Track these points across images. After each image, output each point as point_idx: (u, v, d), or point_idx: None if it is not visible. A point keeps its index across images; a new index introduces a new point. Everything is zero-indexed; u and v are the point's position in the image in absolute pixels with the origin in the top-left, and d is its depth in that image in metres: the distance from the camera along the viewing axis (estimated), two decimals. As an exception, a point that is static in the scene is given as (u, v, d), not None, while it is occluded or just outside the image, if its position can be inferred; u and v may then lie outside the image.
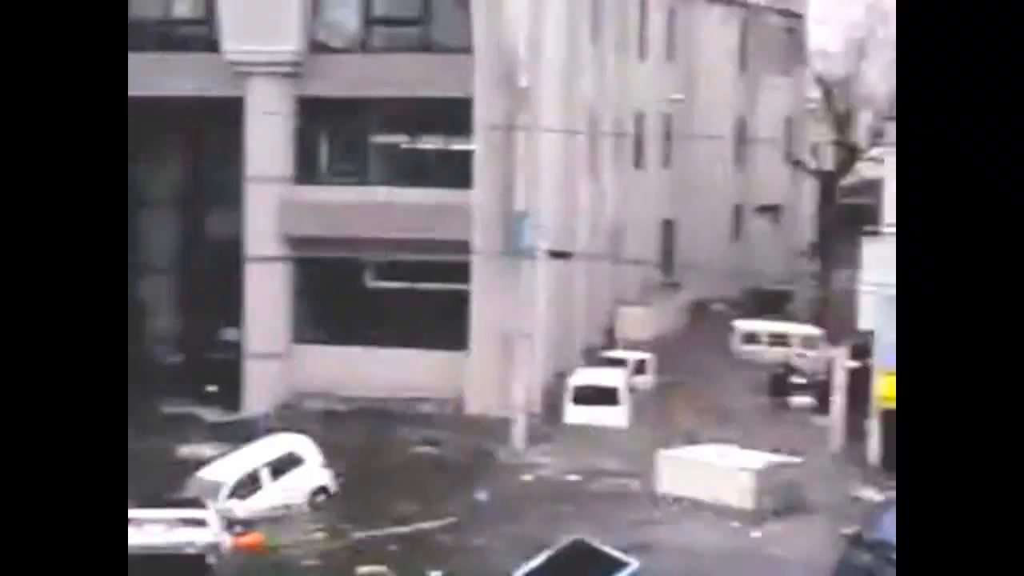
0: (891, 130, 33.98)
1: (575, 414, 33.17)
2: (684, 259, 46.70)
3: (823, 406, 33.23)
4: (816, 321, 42.72)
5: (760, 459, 28.13)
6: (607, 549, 21.16)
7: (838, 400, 31.76)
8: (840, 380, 31.85)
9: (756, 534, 25.99)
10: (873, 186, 36.95)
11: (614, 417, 33.10)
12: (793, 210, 54.88)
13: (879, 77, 47.32)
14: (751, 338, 41.52)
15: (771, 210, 53.84)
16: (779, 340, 40.86)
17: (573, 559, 20.50)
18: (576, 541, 21.26)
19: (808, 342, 40.23)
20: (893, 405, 29.01)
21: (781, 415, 35.46)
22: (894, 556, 18.12)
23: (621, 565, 20.19)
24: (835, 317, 39.63)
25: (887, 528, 20.04)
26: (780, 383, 37.02)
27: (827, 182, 48.93)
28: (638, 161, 45.71)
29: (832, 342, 35.52)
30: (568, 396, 33.49)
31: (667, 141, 47.51)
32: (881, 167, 34.25)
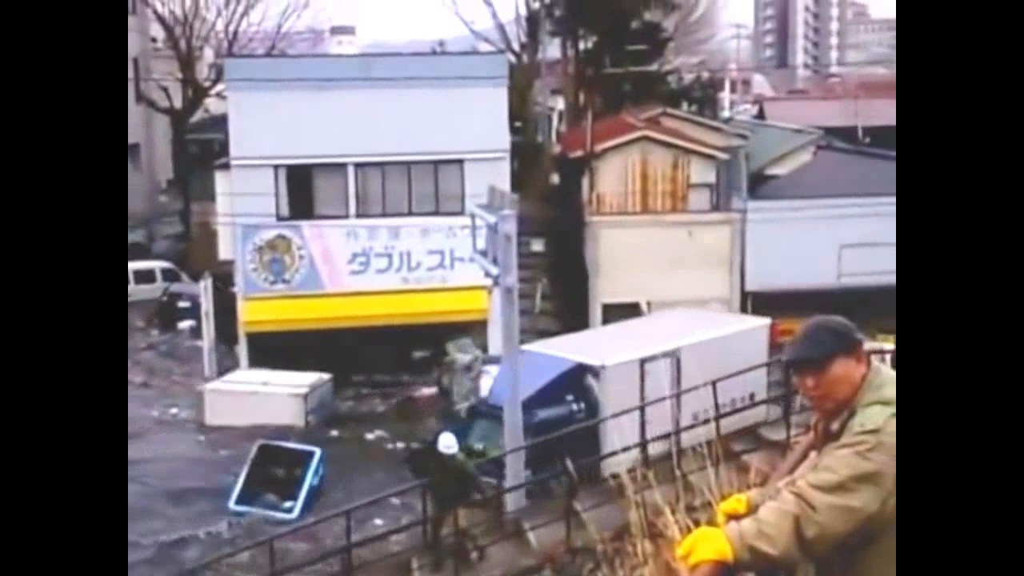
0: (232, 66, 35.47)
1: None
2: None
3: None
4: (181, 255, 43.78)
5: (301, 380, 29.31)
6: (292, 445, 24.63)
7: (208, 327, 33.35)
8: (208, 307, 33.39)
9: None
10: (220, 121, 38.40)
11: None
12: (150, 149, 55.27)
13: (215, 15, 49.02)
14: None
15: (129, 150, 53.93)
16: (144, 278, 41.59)
17: (267, 461, 24.01)
18: (263, 446, 24.37)
19: (169, 275, 41.40)
20: (256, 329, 31.47)
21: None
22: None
23: (310, 455, 24.04)
24: (198, 249, 41.01)
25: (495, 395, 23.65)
26: (168, 310, 38.26)
27: (177, 120, 49.76)
28: None
29: (196, 275, 36.75)
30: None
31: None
32: (226, 103, 35.79)
